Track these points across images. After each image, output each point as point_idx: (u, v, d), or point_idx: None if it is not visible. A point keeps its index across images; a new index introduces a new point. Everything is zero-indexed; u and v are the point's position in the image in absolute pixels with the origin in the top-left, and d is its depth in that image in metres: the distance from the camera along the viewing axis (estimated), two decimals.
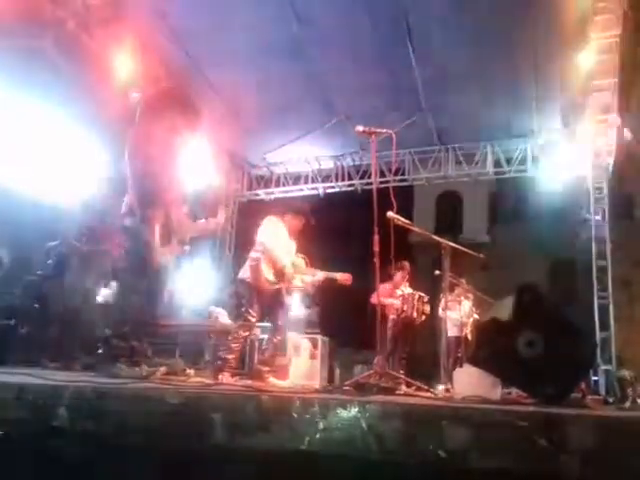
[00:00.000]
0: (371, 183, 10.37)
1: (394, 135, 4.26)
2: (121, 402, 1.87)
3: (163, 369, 3.65)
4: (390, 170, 10.11)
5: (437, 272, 7.37)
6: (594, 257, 9.13)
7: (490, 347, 3.20)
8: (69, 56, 7.37)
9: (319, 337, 8.07)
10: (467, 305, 8.94)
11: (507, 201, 20.34)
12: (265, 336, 5.97)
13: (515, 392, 3.96)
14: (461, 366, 7.66)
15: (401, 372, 7.70)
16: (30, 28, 6.89)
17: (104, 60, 7.92)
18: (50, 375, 2.56)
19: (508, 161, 10.11)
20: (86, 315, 5.75)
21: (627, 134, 5.03)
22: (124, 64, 7.92)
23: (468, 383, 3.39)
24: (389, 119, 7.72)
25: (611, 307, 8.79)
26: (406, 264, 8.29)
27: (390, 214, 4.72)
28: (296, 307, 8.14)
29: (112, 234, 6.71)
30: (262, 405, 1.74)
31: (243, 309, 5.02)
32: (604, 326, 8.72)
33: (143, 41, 7.89)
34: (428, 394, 3.83)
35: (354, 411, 1.61)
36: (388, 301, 8.01)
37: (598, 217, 9.41)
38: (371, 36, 8.02)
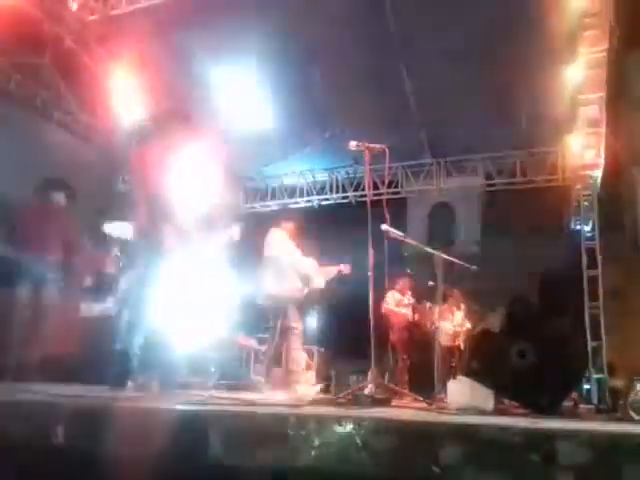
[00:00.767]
0: (365, 195, 10.61)
1: (387, 150, 4.35)
2: (116, 418, 1.91)
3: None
4: (383, 182, 10.19)
5: (431, 283, 7.45)
6: (584, 268, 9.23)
7: (483, 358, 3.27)
8: (67, 74, 7.44)
9: (315, 348, 8.11)
10: (459, 315, 9.02)
11: (499, 213, 20.43)
12: (263, 347, 6.02)
13: (508, 402, 4.03)
14: (454, 377, 7.74)
15: (406, 382, 7.74)
16: (27, 45, 6.97)
17: (101, 77, 8.00)
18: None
19: (499, 173, 10.23)
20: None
21: None
22: (122, 81, 8.00)
23: (462, 394, 3.45)
24: (382, 132, 7.85)
25: (602, 317, 8.88)
26: (408, 273, 8.30)
27: (384, 227, 4.80)
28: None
29: (117, 263, 6.79)
30: (258, 422, 1.78)
31: (280, 323, 5.07)
32: (595, 336, 8.82)
33: (141, 58, 7.97)
34: (422, 405, 3.88)
35: (349, 427, 1.64)
36: (397, 309, 8.05)
37: (588, 228, 9.54)
38: (363, 51, 8.17)
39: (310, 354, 8.08)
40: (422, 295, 8.30)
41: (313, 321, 9.67)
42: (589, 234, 9.43)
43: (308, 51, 8.23)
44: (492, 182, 10.35)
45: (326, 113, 9.35)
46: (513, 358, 3.17)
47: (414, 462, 1.66)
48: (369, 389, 3.61)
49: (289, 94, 8.82)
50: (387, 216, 4.61)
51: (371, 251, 4.24)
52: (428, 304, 8.10)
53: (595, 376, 8.34)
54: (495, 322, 3.32)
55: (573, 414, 3.34)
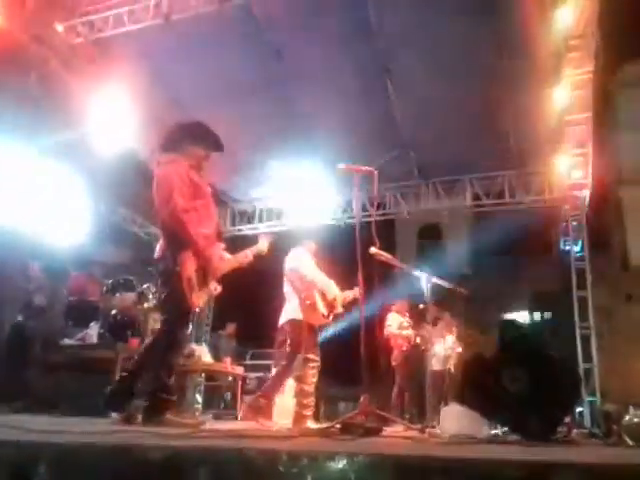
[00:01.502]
0: (353, 217, 10.60)
1: (376, 172, 4.29)
2: (98, 456, 1.80)
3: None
4: (372, 204, 10.19)
5: (421, 306, 7.38)
6: (574, 288, 9.22)
7: (476, 384, 3.18)
8: (52, 96, 7.38)
9: None
10: (451, 339, 8.93)
11: (487, 233, 20.53)
12: (254, 375, 5.83)
13: (501, 428, 3.93)
14: (446, 402, 7.62)
15: (400, 407, 7.58)
16: (13, 67, 6.91)
17: (87, 100, 7.96)
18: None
19: (487, 194, 10.25)
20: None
21: None
22: (108, 104, 7.96)
23: (455, 421, 3.36)
24: (370, 154, 7.85)
25: (593, 338, 8.84)
26: (406, 295, 8.09)
27: (373, 250, 4.73)
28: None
29: (100, 286, 6.65)
30: (248, 458, 1.69)
31: (299, 352, 4.71)
32: (587, 357, 8.76)
33: (127, 81, 7.95)
34: (416, 434, 3.77)
35: (342, 463, 1.57)
36: (401, 332, 7.89)
37: (577, 248, 9.55)
38: (351, 73, 8.20)
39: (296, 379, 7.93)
40: (412, 319, 8.21)
41: None
42: (578, 254, 9.44)
43: (294, 72, 8.25)
44: (480, 203, 10.34)
45: (313, 134, 9.36)
46: (506, 383, 3.08)
47: None
48: (360, 417, 3.50)
49: (275, 115, 8.81)
50: (376, 239, 4.53)
51: (360, 275, 4.15)
52: (428, 327, 7.97)
53: (588, 399, 8.26)
54: (488, 346, 3.23)
55: (567, 440, 3.25)
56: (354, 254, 4.55)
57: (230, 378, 8.78)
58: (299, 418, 4.59)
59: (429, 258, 21.43)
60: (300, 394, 4.72)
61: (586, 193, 9.53)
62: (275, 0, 7.19)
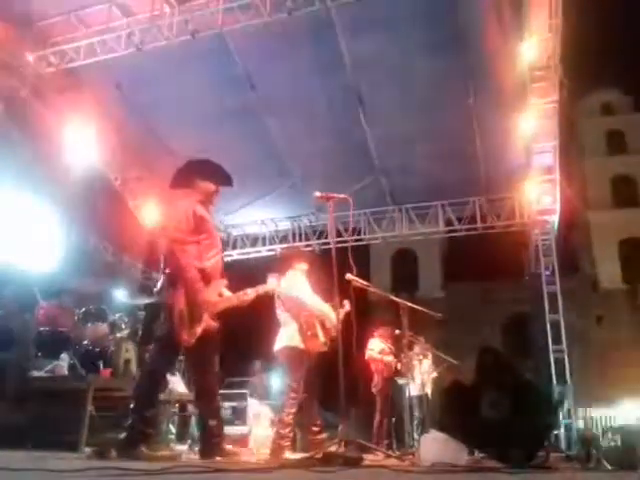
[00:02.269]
0: (328, 243, 10.64)
1: (350, 199, 4.33)
2: None
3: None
4: (346, 230, 10.25)
5: (398, 331, 7.37)
6: (547, 311, 9.35)
7: (455, 411, 3.19)
8: (22, 125, 7.31)
9: (280, 403, 7.83)
10: (427, 363, 8.91)
11: (460, 258, 20.81)
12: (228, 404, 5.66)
13: (478, 454, 3.92)
14: (424, 428, 7.58)
15: (382, 435, 7.46)
16: None
17: (58, 129, 7.90)
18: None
19: (459, 219, 10.39)
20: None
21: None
22: (80, 132, 7.91)
23: (434, 449, 3.35)
24: (344, 181, 7.94)
25: (566, 360, 8.96)
26: (388, 321, 7.94)
27: (349, 276, 4.73)
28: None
29: (71, 315, 6.49)
30: None
31: (292, 383, 4.51)
32: (561, 379, 8.86)
33: (99, 110, 7.93)
34: (396, 462, 3.74)
35: None
36: (383, 358, 7.79)
37: (548, 272, 9.72)
38: (324, 102, 8.34)
39: (275, 409, 7.81)
40: (395, 345, 8.16)
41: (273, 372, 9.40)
42: (549, 278, 9.60)
43: (268, 101, 8.34)
44: (453, 228, 10.48)
45: (287, 162, 9.43)
46: (484, 410, 3.10)
47: None
48: (339, 447, 3.47)
49: (249, 143, 8.85)
50: (353, 265, 4.55)
51: (337, 299, 4.15)
52: (409, 352, 7.91)
53: (563, 421, 8.32)
54: (466, 373, 3.24)
55: (547, 466, 3.26)
56: (329, 280, 4.55)
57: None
58: (277, 449, 4.45)
59: (403, 282, 21.67)
60: (279, 424, 4.59)
61: (555, 218, 9.74)
62: (248, 32, 7.28)
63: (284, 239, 11.30)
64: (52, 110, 8.21)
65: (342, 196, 4.33)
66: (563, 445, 8.12)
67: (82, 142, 8.31)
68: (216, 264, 3.77)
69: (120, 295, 9.37)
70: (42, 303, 6.77)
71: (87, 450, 3.68)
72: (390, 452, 4.71)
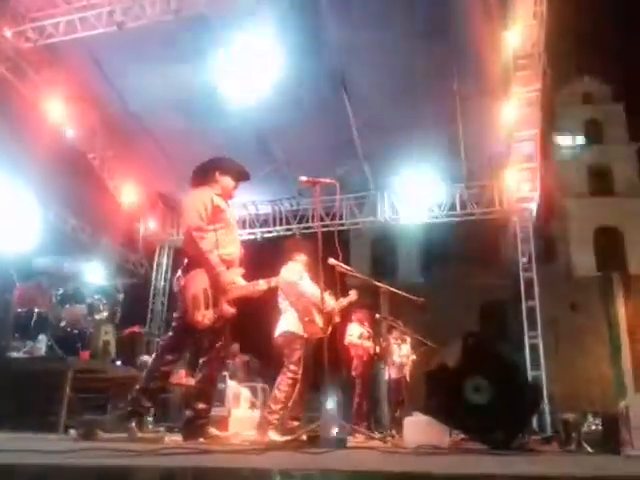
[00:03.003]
0: (309, 227, 10.63)
1: (338, 184, 4.32)
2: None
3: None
4: (327, 214, 10.25)
5: (378, 315, 7.42)
6: (523, 298, 9.51)
7: (439, 395, 3.23)
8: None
9: (258, 385, 7.86)
10: (405, 347, 9.03)
11: (439, 244, 20.99)
12: None
13: (458, 435, 3.99)
14: (402, 410, 7.69)
15: (362, 418, 7.54)
16: None
17: (37, 105, 7.71)
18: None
19: (439, 206, 10.45)
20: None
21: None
22: (57, 109, 7.72)
23: (418, 432, 3.39)
24: (327, 165, 7.91)
25: (541, 346, 9.15)
26: (366, 305, 7.95)
27: (332, 261, 4.77)
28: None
29: (49, 297, 6.41)
30: (239, 477, 1.65)
31: (290, 365, 4.64)
32: (535, 365, 9.05)
33: (77, 87, 7.75)
34: (380, 444, 3.79)
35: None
36: (361, 342, 7.83)
37: (525, 259, 9.86)
38: (309, 87, 8.25)
39: (254, 391, 7.84)
40: (373, 328, 8.21)
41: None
42: (526, 265, 9.75)
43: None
44: (433, 214, 10.54)
45: (270, 145, 9.36)
46: (469, 393, 3.14)
47: None
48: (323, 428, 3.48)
49: (230, 124, 8.74)
50: (339, 250, 4.57)
51: (322, 284, 4.15)
52: (389, 336, 7.96)
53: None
54: (450, 357, 3.29)
55: (530, 448, 3.34)
56: (314, 264, 4.57)
57: (183, 390, 8.59)
58: (264, 423, 4.56)
59: (382, 267, 21.80)
60: (272, 399, 4.69)
61: (534, 206, 9.86)
62: (231, 11, 7.16)
63: (265, 223, 11.26)
64: (29, 87, 8.00)
65: (329, 181, 4.31)
66: (536, 427, 8.30)
67: (60, 120, 8.12)
68: (233, 252, 3.86)
69: (98, 276, 9.26)
70: (18, 284, 6.66)
71: (72, 432, 3.65)
72: (371, 434, 4.75)
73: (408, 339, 9.13)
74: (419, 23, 7.34)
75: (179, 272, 3.78)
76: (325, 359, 3.74)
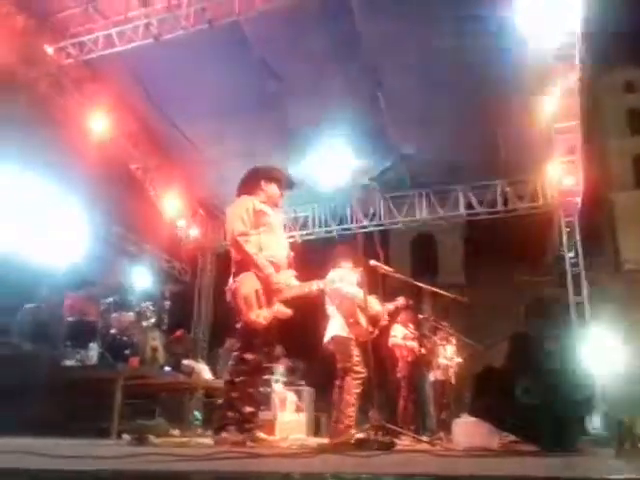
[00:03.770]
0: (348, 229, 10.60)
1: (377, 185, 4.32)
2: None
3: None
4: (366, 215, 10.22)
5: (421, 316, 7.36)
6: (570, 294, 9.25)
7: (488, 397, 3.17)
8: (43, 117, 7.36)
9: (304, 389, 7.89)
10: (450, 349, 8.89)
11: (481, 242, 20.66)
12: None
13: (506, 437, 3.90)
14: (448, 412, 7.58)
15: (409, 421, 7.45)
16: (2, 90, 6.89)
17: (80, 119, 7.95)
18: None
19: (480, 202, 10.27)
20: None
21: None
22: (100, 122, 7.95)
23: (468, 434, 3.35)
24: (365, 166, 7.88)
25: None
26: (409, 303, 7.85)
27: (373, 263, 4.77)
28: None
29: (98, 305, 6.60)
30: None
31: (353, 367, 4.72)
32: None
33: (118, 99, 7.95)
34: (428, 447, 3.74)
35: None
36: (406, 343, 7.76)
37: (571, 254, 9.59)
38: (341, 86, 8.24)
39: (299, 395, 7.87)
40: (417, 329, 8.12)
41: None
42: (573, 260, 9.49)
43: (283, 87, 8.29)
44: (474, 212, 10.36)
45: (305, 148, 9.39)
46: (519, 394, 3.08)
47: None
48: (371, 432, 3.48)
49: (267, 131, 8.82)
50: (380, 251, 4.58)
51: (365, 288, 4.15)
52: (434, 338, 7.86)
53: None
54: (497, 358, 3.23)
55: (581, 449, 3.24)
56: (355, 267, 4.59)
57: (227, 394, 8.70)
58: (337, 429, 4.56)
59: (423, 267, 21.58)
60: (343, 404, 4.67)
61: (578, 199, 9.60)
62: (264, 19, 7.23)
63: (304, 225, 11.26)
64: (71, 101, 8.26)
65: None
66: (592, 428, 8.06)
67: (102, 132, 8.35)
68: (278, 255, 3.91)
69: (144, 284, 9.47)
70: (69, 294, 6.89)
71: (125, 437, 3.74)
72: (418, 437, 4.70)
73: (453, 340, 8.99)
74: (454, 16, 7.18)
75: (229, 281, 3.83)
76: (371, 361, 3.74)
